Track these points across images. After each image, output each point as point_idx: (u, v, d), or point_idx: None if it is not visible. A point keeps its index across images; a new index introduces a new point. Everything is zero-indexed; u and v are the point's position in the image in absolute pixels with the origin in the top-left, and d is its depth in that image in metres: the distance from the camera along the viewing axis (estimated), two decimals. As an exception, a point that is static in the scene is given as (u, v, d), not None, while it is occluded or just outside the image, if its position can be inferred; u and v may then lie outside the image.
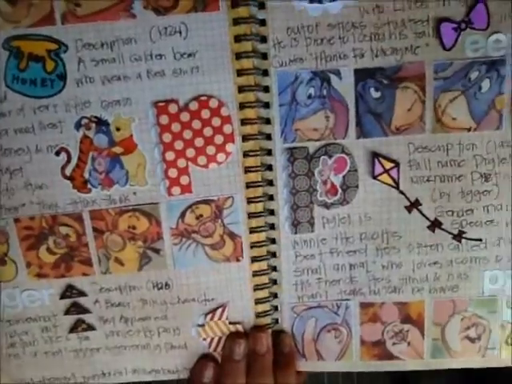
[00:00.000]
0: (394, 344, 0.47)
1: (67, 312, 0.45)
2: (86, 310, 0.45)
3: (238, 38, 0.41)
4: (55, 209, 0.42)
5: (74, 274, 0.44)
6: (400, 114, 0.43)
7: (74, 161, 0.41)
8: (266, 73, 0.42)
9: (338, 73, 0.42)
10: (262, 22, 0.41)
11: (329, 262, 0.46)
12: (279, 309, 0.47)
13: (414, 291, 0.47)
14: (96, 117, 0.41)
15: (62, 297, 0.45)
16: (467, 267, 0.45)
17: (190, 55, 0.40)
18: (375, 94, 0.42)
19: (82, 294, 0.45)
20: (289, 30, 0.41)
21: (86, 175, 0.42)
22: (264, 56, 0.41)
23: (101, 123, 0.41)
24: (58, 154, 0.41)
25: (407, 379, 0.54)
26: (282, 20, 0.41)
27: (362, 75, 0.42)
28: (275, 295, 0.46)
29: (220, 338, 0.46)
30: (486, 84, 0.42)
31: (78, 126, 0.41)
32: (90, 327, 0.45)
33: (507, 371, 0.47)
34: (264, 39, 0.41)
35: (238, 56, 0.41)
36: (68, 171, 0.41)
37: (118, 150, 0.41)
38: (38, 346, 0.46)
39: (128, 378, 0.47)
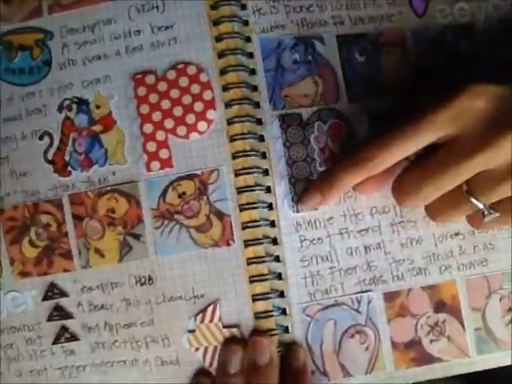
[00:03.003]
0: (431, 342, 0.31)
1: (50, 318, 0.35)
2: (68, 315, 0.34)
3: (214, 6, 0.34)
4: (37, 195, 0.35)
5: (55, 271, 0.34)
6: (388, 77, 0.35)
7: (56, 143, 0.35)
8: (248, 39, 0.34)
9: (320, 39, 0.35)
10: (240, -8, 0.34)
11: (340, 246, 0.32)
12: (288, 312, 0.32)
13: (441, 270, 0.33)
14: (77, 97, 0.34)
15: (45, 298, 0.34)
16: (491, 235, 0.34)
17: (167, 28, 0.34)
18: (360, 59, 0.35)
19: (64, 294, 0.34)
20: (267, -2, 0.34)
21: (67, 157, 0.34)
22: (245, 23, 0.34)
23: (81, 103, 0.34)
24: (41, 138, 0.35)
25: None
26: (260, -12, 0.34)
27: (344, 41, 0.35)
28: (281, 294, 0.32)
29: (215, 349, 0.32)
30: (462, 45, 0.36)
31: (60, 108, 0.35)
32: (74, 337, 0.34)
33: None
34: (244, 7, 0.34)
35: (216, 22, 0.34)
36: (50, 155, 0.35)
37: (97, 128, 0.34)
38: (22, 363, 0.35)
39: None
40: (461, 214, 0.31)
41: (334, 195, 0.31)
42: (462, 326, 0.33)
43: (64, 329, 0.35)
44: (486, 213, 0.29)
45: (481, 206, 0.29)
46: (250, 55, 0.34)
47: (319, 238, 0.33)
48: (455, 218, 0.32)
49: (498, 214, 0.29)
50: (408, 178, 0.30)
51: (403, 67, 0.35)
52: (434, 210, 0.31)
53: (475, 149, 0.27)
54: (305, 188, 0.33)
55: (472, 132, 0.27)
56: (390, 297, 0.33)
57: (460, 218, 0.32)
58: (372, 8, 0.35)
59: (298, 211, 0.33)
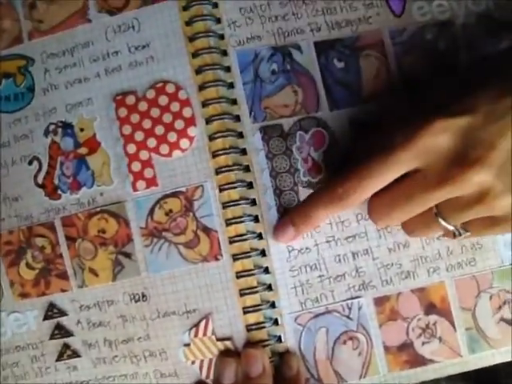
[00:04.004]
0: (423, 344, 0.31)
1: (52, 336, 0.34)
2: (69, 333, 0.34)
3: (189, 22, 0.33)
4: (30, 219, 0.34)
5: (53, 291, 0.34)
6: (368, 81, 0.33)
7: (45, 167, 0.34)
8: (225, 53, 0.33)
9: (297, 47, 0.33)
10: (214, 5, 0.33)
11: (328, 254, 0.32)
12: (279, 322, 0.31)
13: (430, 272, 0.32)
14: (61, 121, 0.34)
15: (46, 317, 0.34)
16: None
17: (144, 47, 0.33)
18: (339, 65, 0.33)
19: (63, 313, 0.34)
20: (241, 9, 0.34)
21: (56, 181, 0.34)
22: (221, 37, 0.33)
23: (66, 126, 0.34)
24: (30, 163, 0.34)
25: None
26: (234, 1, 0.33)
27: (322, 47, 0.33)
28: (272, 305, 0.32)
29: (211, 361, 0.32)
30: (441, 44, 0.34)
31: (46, 133, 0.34)
32: (76, 353, 0.34)
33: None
34: (219, 20, 0.33)
35: (192, 39, 0.32)
36: (40, 179, 0.34)
37: (83, 150, 0.33)
38: (29, 380, 0.35)
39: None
40: (433, 233, 0.30)
41: (308, 229, 0.31)
42: (453, 326, 0.32)
43: (66, 346, 0.35)
44: (456, 233, 0.28)
45: (451, 227, 0.28)
46: (228, 69, 0.33)
47: (307, 248, 0.32)
48: (429, 236, 0.31)
49: (468, 233, 0.28)
50: (378, 203, 0.29)
51: (383, 69, 0.33)
52: (409, 229, 0.31)
53: (439, 183, 0.26)
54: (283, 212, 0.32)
55: (436, 167, 0.27)
56: (380, 301, 0.32)
57: (435, 235, 0.31)
58: (349, 11, 0.34)
59: (283, 222, 0.32)
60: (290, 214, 0.31)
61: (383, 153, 0.27)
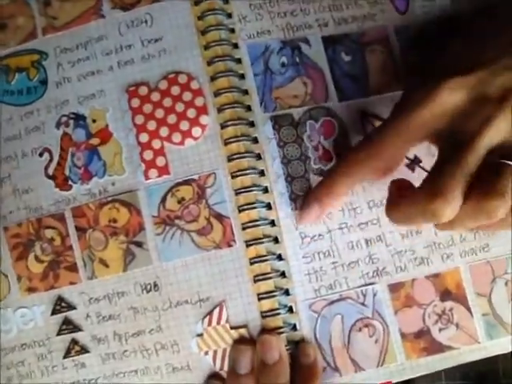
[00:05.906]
0: (440, 330, 0.29)
1: (60, 332, 0.33)
2: (77, 328, 0.32)
3: (201, 16, 0.32)
4: (40, 211, 0.33)
5: (62, 284, 0.32)
6: (375, 74, 0.33)
7: (56, 159, 0.33)
8: (236, 46, 0.33)
9: (306, 41, 0.33)
10: (225, 1, 0.33)
11: (341, 241, 0.31)
12: (294, 309, 0.30)
13: (443, 258, 0.31)
14: (73, 113, 0.33)
15: (53, 312, 0.32)
16: None
17: (156, 40, 0.33)
18: (346, 58, 0.33)
19: (71, 307, 0.32)
20: (251, 6, 0.34)
21: (67, 172, 0.33)
22: (232, 30, 0.33)
23: (78, 118, 0.33)
24: (41, 155, 0.33)
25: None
26: (244, -3, 0.33)
27: (329, 41, 0.33)
28: (286, 292, 0.30)
29: (224, 351, 0.30)
30: (445, 40, 0.32)
31: (58, 125, 0.33)
32: (84, 349, 0.32)
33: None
34: (230, 15, 0.33)
35: (204, 32, 0.32)
36: (51, 170, 0.33)
37: (95, 141, 0.33)
38: (35, 380, 0.33)
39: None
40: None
41: (332, 201, 0.29)
42: (470, 312, 0.31)
43: (74, 342, 0.33)
44: None
45: None
46: (239, 61, 0.33)
47: (320, 234, 0.31)
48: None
49: None
50: None
51: (388, 63, 0.33)
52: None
53: (479, 132, 0.25)
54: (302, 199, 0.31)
55: (459, 124, 0.25)
56: (394, 288, 0.31)
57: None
58: (354, 8, 0.34)
59: (296, 209, 0.31)
60: (312, 191, 0.30)
61: (402, 114, 0.26)
